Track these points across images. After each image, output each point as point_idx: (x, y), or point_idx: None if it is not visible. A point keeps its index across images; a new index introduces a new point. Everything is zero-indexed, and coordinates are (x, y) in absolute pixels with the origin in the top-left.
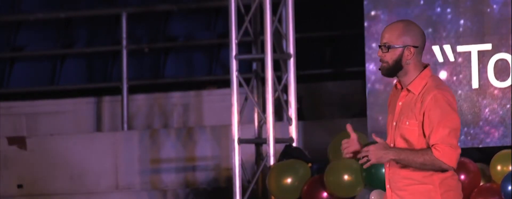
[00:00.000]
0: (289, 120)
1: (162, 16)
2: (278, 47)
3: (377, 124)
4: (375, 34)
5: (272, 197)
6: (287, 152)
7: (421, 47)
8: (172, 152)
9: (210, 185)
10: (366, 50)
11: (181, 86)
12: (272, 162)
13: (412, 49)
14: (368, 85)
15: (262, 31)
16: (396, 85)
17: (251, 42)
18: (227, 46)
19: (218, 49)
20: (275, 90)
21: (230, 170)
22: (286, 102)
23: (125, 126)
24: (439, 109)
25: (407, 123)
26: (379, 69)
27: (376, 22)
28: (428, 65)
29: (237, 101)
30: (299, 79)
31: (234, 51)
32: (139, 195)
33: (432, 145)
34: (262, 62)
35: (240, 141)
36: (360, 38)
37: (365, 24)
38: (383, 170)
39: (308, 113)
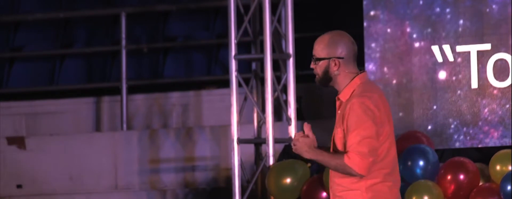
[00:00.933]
0: (289, 120)
1: (161, 16)
2: (277, 47)
3: None
4: (375, 34)
5: (272, 197)
6: (286, 152)
7: (348, 57)
8: (171, 152)
9: (209, 185)
10: (365, 50)
11: (180, 87)
12: (271, 162)
13: (336, 60)
14: None
15: (261, 31)
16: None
17: (250, 42)
18: (226, 46)
19: (217, 49)
20: (274, 90)
21: (230, 170)
22: (286, 102)
23: (125, 126)
24: (355, 117)
25: (336, 130)
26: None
27: (375, 22)
28: (361, 73)
29: (236, 101)
30: (298, 79)
31: (233, 51)
32: (138, 195)
33: (346, 151)
34: (261, 62)
35: (240, 141)
36: (360, 38)
37: (365, 24)
38: None
39: (307, 113)
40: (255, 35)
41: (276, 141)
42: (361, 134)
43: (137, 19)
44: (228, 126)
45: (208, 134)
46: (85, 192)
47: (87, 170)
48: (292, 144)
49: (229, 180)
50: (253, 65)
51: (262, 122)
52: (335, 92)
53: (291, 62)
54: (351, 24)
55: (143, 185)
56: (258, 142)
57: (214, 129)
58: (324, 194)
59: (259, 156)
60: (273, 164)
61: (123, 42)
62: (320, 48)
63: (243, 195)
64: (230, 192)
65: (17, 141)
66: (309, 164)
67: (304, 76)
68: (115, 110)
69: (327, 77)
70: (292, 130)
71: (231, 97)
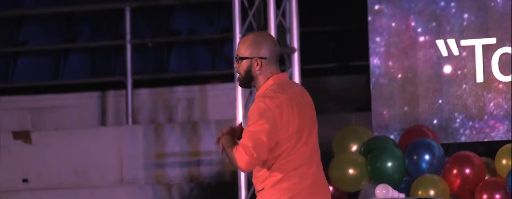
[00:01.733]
0: None
1: (165, 10)
2: (282, 41)
3: (382, 118)
4: (379, 28)
5: None
6: None
7: (271, 58)
8: (176, 146)
9: (214, 179)
10: (370, 44)
11: (185, 81)
12: None
13: (259, 60)
14: (373, 80)
15: (265, 25)
16: None
17: None
18: (231, 40)
19: (221, 44)
20: None
21: None
22: None
23: (130, 120)
24: (250, 115)
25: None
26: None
27: (380, 16)
28: (277, 74)
29: (241, 95)
30: (303, 74)
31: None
32: (143, 189)
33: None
34: None
35: None
36: (364, 32)
37: (369, 18)
38: (388, 164)
39: None
40: (259, 29)
41: None
42: (251, 129)
43: (142, 14)
44: (233, 120)
45: (213, 128)
46: (90, 187)
47: (92, 165)
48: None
49: (235, 174)
50: None
51: None
52: (339, 87)
53: (295, 56)
54: (356, 18)
55: (148, 180)
56: None
57: (219, 123)
58: (330, 188)
59: None
60: None
61: (128, 36)
62: (243, 48)
63: (248, 189)
64: (235, 186)
65: (23, 135)
66: None
67: (308, 71)
68: (120, 104)
69: (249, 77)
70: None
71: (236, 92)
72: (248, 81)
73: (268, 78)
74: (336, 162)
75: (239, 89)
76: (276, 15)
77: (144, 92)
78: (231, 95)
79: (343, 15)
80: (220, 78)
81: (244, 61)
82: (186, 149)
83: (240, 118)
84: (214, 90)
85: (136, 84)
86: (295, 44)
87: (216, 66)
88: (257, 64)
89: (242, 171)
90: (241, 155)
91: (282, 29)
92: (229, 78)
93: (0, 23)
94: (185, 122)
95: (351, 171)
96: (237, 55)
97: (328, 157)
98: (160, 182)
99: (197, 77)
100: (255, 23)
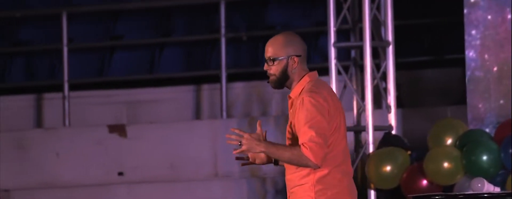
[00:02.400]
0: (388, 108)
1: (260, 4)
2: (376, 34)
3: (477, 111)
4: (475, 21)
5: (371, 185)
6: (386, 140)
7: (304, 55)
8: (270, 139)
9: None
10: (466, 37)
11: None
12: (371, 149)
13: (295, 58)
14: (468, 73)
15: (360, 19)
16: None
17: (349, 30)
18: (325, 34)
19: (316, 37)
20: (373, 78)
21: None
22: (385, 89)
23: (224, 114)
24: (305, 111)
25: (290, 125)
26: (268, 82)
27: (475, 9)
28: (310, 72)
29: (335, 89)
30: (398, 67)
31: (332, 39)
32: (238, 183)
33: (302, 144)
34: (360, 49)
35: None
36: (460, 25)
37: (465, 11)
38: (484, 158)
39: (407, 101)
40: (354, 23)
41: (375, 128)
42: (314, 126)
43: (237, 7)
44: None
45: None
46: (185, 180)
47: (187, 158)
48: (242, 144)
49: None
50: (352, 53)
51: (361, 110)
52: (435, 80)
53: (390, 49)
54: (451, 11)
55: (243, 173)
56: (358, 129)
57: None
58: (425, 182)
59: (359, 143)
60: (373, 151)
61: (223, 30)
62: (276, 48)
63: None
64: None
65: (118, 129)
66: (409, 152)
67: (403, 64)
68: (215, 98)
69: (284, 76)
70: (391, 118)
71: (330, 85)
72: (282, 82)
73: (303, 76)
74: (431, 155)
75: (334, 83)
76: (371, 8)
77: (238, 86)
78: None
79: (438, 8)
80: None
81: (278, 61)
82: (280, 142)
83: None
84: None
85: (231, 78)
86: (390, 37)
87: (311, 59)
88: (294, 62)
89: (314, 167)
90: (316, 152)
91: (377, 22)
92: (324, 71)
93: (97, 18)
94: (279, 115)
95: (446, 164)
96: (270, 57)
97: (423, 150)
98: (254, 175)
99: None
100: (350, 17)
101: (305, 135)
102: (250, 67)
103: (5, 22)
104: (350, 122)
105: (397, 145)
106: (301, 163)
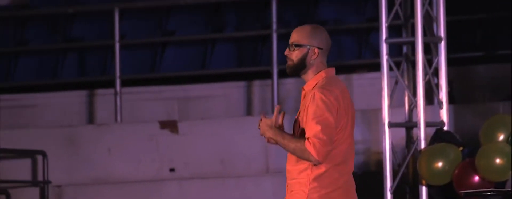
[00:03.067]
0: (440, 104)
1: (311, 0)
2: (428, 30)
3: None
4: None
5: (423, 181)
6: (438, 136)
7: (326, 50)
8: None
9: (360, 168)
10: None
11: None
12: (422, 145)
13: (316, 50)
14: None
15: (412, 14)
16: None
17: (401, 26)
18: (377, 30)
19: (368, 33)
20: (425, 73)
21: (380, 153)
22: (437, 85)
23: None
24: (315, 106)
25: (301, 118)
26: (287, 68)
27: None
28: (328, 68)
29: (387, 85)
30: (449, 63)
31: (384, 35)
32: None
33: (307, 138)
34: (412, 45)
35: (390, 125)
36: None
37: None
38: None
39: (459, 96)
40: (406, 19)
41: (427, 124)
42: (321, 122)
43: (288, 3)
44: (379, 109)
45: (359, 118)
46: (236, 176)
47: (238, 154)
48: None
49: (380, 164)
50: (404, 48)
51: (413, 106)
52: (486, 76)
53: (442, 45)
54: (503, 6)
55: None
56: (409, 125)
57: (365, 113)
58: (477, 178)
59: (410, 139)
60: (425, 147)
61: (274, 26)
62: (302, 36)
63: (394, 179)
64: (381, 175)
65: (170, 125)
66: (461, 148)
67: (455, 59)
68: (266, 94)
69: (302, 65)
70: (443, 114)
71: (382, 81)
72: (299, 69)
73: (320, 71)
74: (483, 151)
75: (385, 79)
76: (423, 4)
77: (289, 81)
78: (377, 84)
79: (490, 3)
80: (366, 68)
81: (300, 49)
82: None
83: (386, 108)
84: (360, 80)
85: (282, 74)
86: (442, 33)
87: (363, 55)
88: (314, 53)
89: (315, 163)
90: (318, 148)
91: (429, 18)
92: (376, 67)
93: (149, 14)
94: None
95: (498, 160)
96: (293, 42)
97: (475, 146)
98: None
99: (343, 67)
100: (402, 12)
101: (311, 130)
102: None
103: (57, 18)
104: (402, 118)
105: (449, 141)
106: (303, 156)
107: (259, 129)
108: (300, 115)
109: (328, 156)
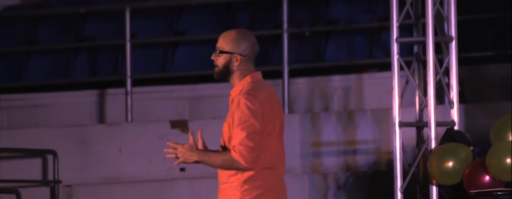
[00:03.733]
0: (451, 103)
1: None
2: (439, 29)
3: None
4: None
5: (433, 181)
6: (448, 135)
7: (250, 56)
8: (332, 135)
9: (370, 168)
10: None
11: (341, 70)
12: (433, 145)
13: (239, 57)
14: None
15: (423, 14)
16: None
17: (412, 25)
18: (388, 29)
19: (379, 32)
20: (436, 73)
21: (391, 153)
22: (448, 84)
23: (286, 109)
24: (240, 113)
25: (228, 126)
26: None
27: None
28: (254, 73)
29: (398, 84)
30: (460, 62)
31: (395, 34)
32: (300, 178)
33: (233, 147)
34: (423, 45)
35: (401, 124)
36: None
37: None
38: None
39: (469, 96)
40: (417, 18)
41: (438, 124)
42: (247, 129)
43: (299, 3)
44: (389, 109)
45: (369, 117)
46: None
47: None
48: (178, 157)
49: (391, 164)
50: (415, 48)
51: (423, 105)
52: (497, 75)
53: (453, 45)
54: None
55: (305, 169)
56: (420, 125)
57: (376, 112)
58: (487, 178)
59: (421, 139)
60: (435, 147)
61: (285, 25)
62: (225, 42)
63: (404, 178)
64: (391, 175)
65: (180, 125)
66: (471, 147)
67: (466, 59)
68: (277, 94)
69: (226, 71)
70: (454, 113)
71: (392, 81)
72: (224, 75)
73: (245, 76)
74: (494, 151)
75: (396, 78)
76: (434, 3)
77: (300, 81)
78: (388, 84)
79: (502, 2)
80: (377, 67)
81: (224, 55)
82: (342, 138)
83: (396, 107)
84: (371, 79)
85: (293, 73)
86: (453, 32)
87: (373, 55)
88: (236, 60)
89: (246, 170)
90: (245, 156)
91: (440, 17)
92: (386, 67)
93: (160, 13)
94: (341, 111)
95: (509, 160)
96: (218, 48)
97: (486, 146)
98: (316, 171)
99: (354, 66)
100: (413, 12)
101: (237, 137)
102: (312, 62)
103: (69, 18)
104: (413, 118)
105: (460, 140)
106: (233, 167)
107: (177, 157)
108: (227, 120)
109: (258, 161)
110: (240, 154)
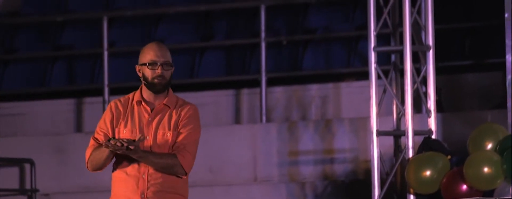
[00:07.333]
0: (428, 112)
1: (300, 8)
2: (417, 38)
3: None
4: None
5: (411, 190)
6: (426, 144)
7: None
8: (310, 144)
9: (348, 177)
10: (507, 41)
11: (319, 79)
12: (410, 154)
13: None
14: (509, 77)
15: (400, 23)
16: (132, 100)
17: (389, 34)
18: (366, 38)
19: (356, 41)
20: (414, 82)
21: (369, 162)
22: (425, 93)
23: (264, 118)
24: (192, 121)
25: (165, 133)
26: (156, 86)
27: None
28: None
29: (375, 93)
30: (438, 71)
31: (372, 43)
32: (277, 187)
33: (178, 152)
34: (400, 54)
35: (379, 133)
36: (501, 29)
37: (506, 15)
38: None
39: (447, 105)
40: (394, 27)
41: (415, 133)
42: (193, 137)
43: (277, 12)
44: (367, 118)
45: (347, 126)
46: (225, 184)
47: (226, 162)
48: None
49: (368, 172)
50: (393, 57)
51: (401, 114)
52: (475, 84)
53: (431, 54)
54: (492, 14)
55: (282, 177)
56: (398, 134)
57: (353, 121)
58: (465, 186)
59: (398, 148)
60: (413, 156)
61: (263, 34)
62: (169, 55)
63: (382, 187)
64: (369, 184)
65: None
66: (449, 156)
67: (444, 68)
68: (255, 102)
69: (169, 83)
70: (431, 122)
71: (370, 90)
72: (167, 87)
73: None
74: (471, 160)
75: (374, 87)
76: (412, 12)
77: (278, 90)
78: (366, 93)
79: (479, 12)
80: (355, 76)
81: (172, 68)
82: (320, 147)
83: (374, 116)
84: (349, 88)
85: (271, 82)
86: (430, 41)
87: (351, 63)
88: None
89: (182, 175)
90: (189, 162)
91: (417, 26)
92: (364, 76)
93: (138, 22)
94: (319, 119)
95: (486, 169)
96: (169, 61)
97: (463, 155)
98: (294, 180)
99: (332, 75)
100: (390, 21)
101: (184, 141)
102: (290, 71)
103: (46, 26)
104: (390, 127)
105: (437, 149)
106: (172, 171)
107: (127, 149)
108: (159, 131)
109: None
110: (186, 160)
